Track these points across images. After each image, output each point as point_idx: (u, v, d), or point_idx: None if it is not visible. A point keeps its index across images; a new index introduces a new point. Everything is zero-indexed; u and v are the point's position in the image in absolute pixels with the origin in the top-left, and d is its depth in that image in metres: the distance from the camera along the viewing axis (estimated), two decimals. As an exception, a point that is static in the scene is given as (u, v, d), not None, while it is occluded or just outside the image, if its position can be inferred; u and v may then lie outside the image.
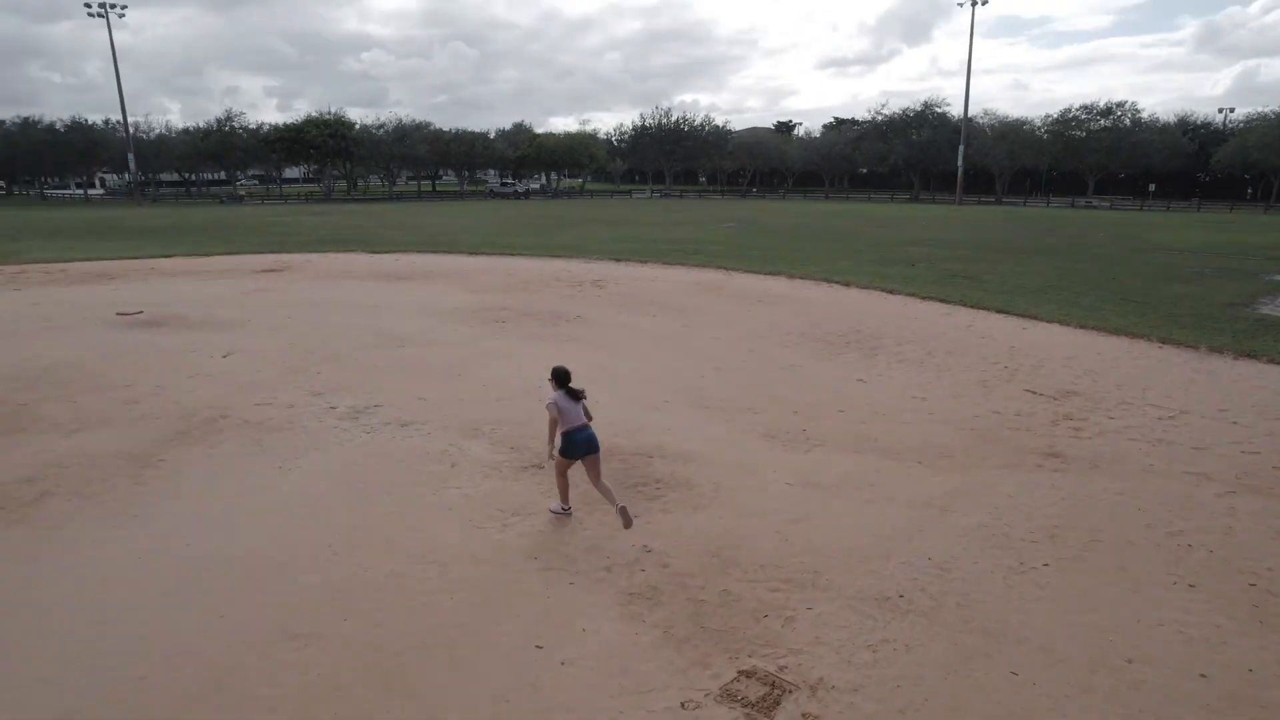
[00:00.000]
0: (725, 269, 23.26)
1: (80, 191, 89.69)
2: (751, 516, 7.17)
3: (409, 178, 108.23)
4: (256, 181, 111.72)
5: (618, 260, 25.27)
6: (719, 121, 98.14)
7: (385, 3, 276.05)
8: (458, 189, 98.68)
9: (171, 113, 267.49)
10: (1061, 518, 7.10)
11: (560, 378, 6.68)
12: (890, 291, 18.98)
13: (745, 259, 25.33)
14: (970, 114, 79.75)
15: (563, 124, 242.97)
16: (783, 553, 6.48)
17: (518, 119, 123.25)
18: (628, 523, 6.50)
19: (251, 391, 10.88)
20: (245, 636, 5.27)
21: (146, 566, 6.21)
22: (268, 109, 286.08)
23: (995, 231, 38.86)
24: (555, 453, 6.70)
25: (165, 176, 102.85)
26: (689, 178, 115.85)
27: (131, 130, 79.62)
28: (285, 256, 26.76)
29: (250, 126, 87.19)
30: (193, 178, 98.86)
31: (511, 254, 27.21)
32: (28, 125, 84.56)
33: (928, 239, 33.67)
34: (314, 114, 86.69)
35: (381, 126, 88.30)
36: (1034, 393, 11.02)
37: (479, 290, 19.56)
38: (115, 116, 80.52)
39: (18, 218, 53.44)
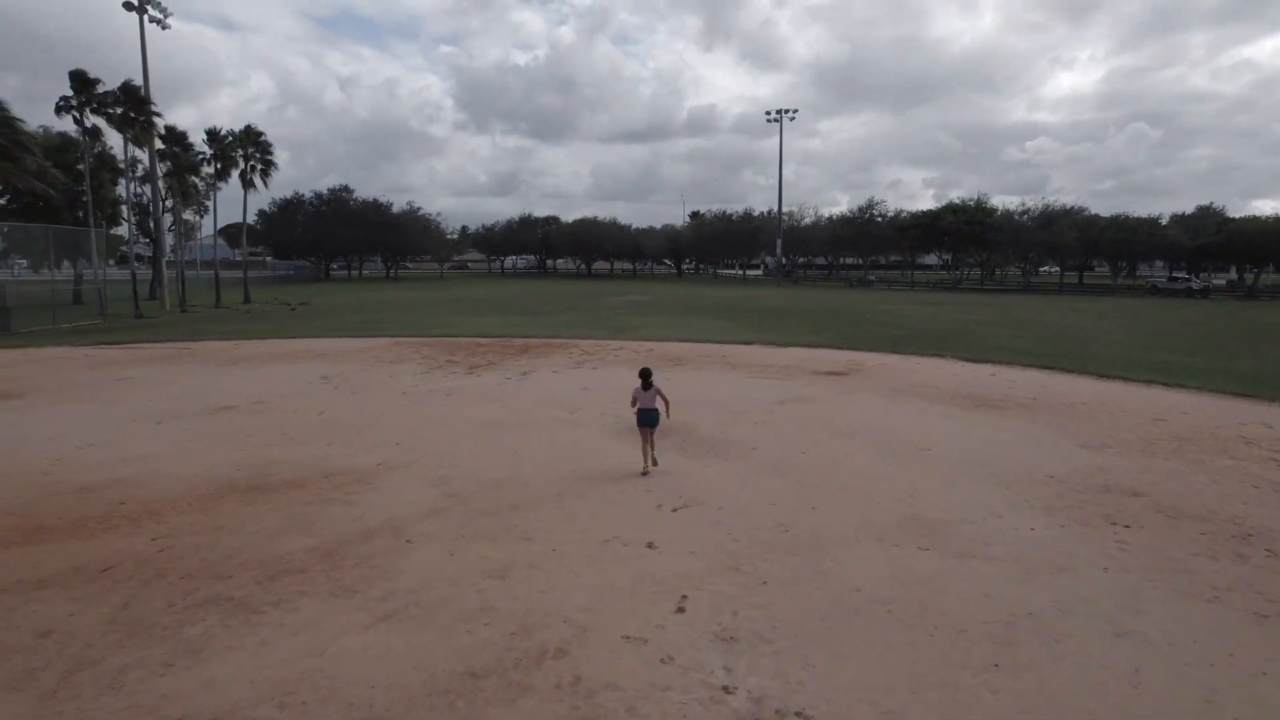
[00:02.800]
0: None
1: (739, 272, 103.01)
2: None
3: (1050, 268, 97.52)
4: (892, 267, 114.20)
5: (1372, 416, 15.02)
6: None
7: (1058, 90, 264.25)
8: (1110, 282, 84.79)
9: (840, 204, 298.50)
10: None
11: (643, 375, 10.52)
12: None
13: None
14: None
15: (1270, 207, 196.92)
16: None
17: (1204, 202, 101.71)
18: (645, 471, 10.49)
19: (641, 593, 6.88)
20: None
21: None
22: (924, 199, 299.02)
23: None
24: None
25: (819, 260, 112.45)
26: None
27: (785, 219, 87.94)
28: (861, 356, 23.09)
29: (888, 214, 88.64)
30: (835, 262, 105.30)
31: (1167, 383, 18.73)
32: (723, 218, 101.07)
33: None
34: (955, 200, 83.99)
35: (1025, 212, 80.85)
36: None
37: (1096, 444, 12.65)
38: (788, 208, 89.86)
39: (677, 293, 62.11)
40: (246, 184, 49.46)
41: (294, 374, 19.24)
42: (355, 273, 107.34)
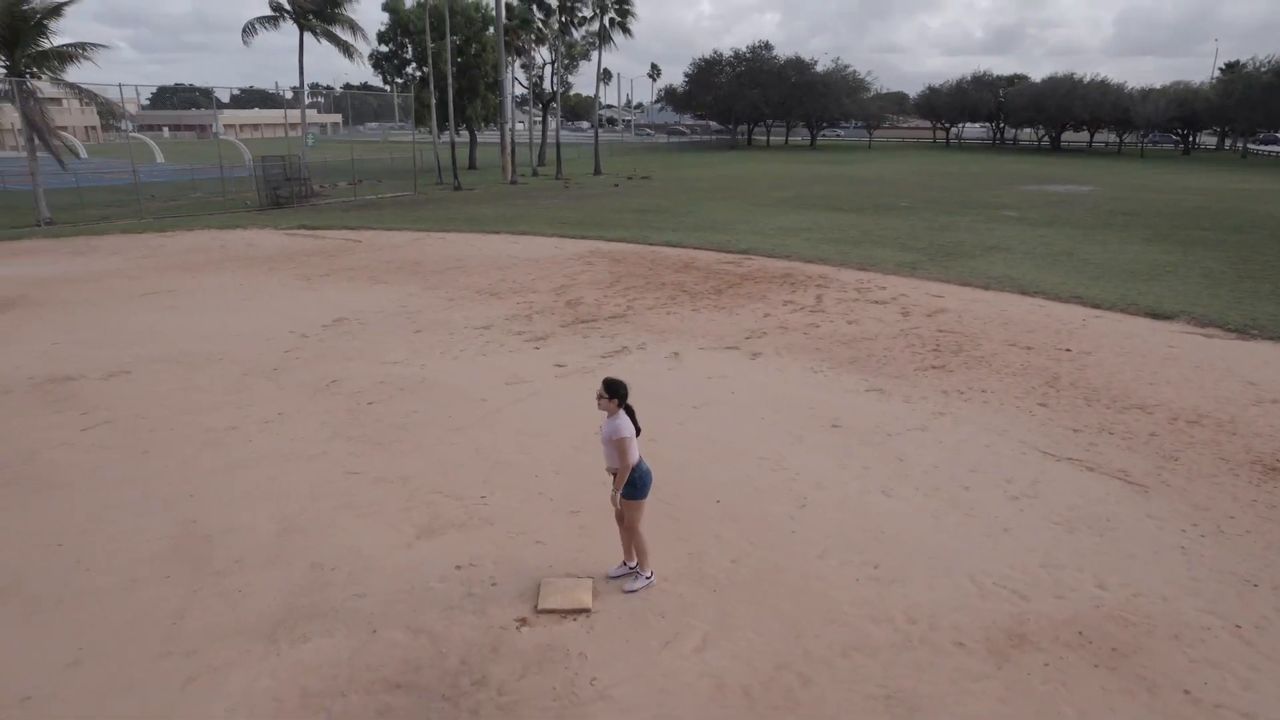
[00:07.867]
0: None
1: (1285, 150, 72.30)
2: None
3: None
4: None
5: None
6: None
7: None
8: None
9: None
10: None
11: (622, 393, 4.97)
12: None
13: None
14: None
15: None
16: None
17: None
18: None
19: None
20: None
21: None
22: None
23: None
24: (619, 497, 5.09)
25: None
26: None
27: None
28: None
29: None
30: None
31: None
32: (1276, 68, 69.80)
33: None
34: None
35: None
36: None
37: None
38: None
39: (1155, 184, 43.09)
40: (602, 38, 44.38)
41: (279, 319, 12.75)
42: (775, 141, 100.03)
